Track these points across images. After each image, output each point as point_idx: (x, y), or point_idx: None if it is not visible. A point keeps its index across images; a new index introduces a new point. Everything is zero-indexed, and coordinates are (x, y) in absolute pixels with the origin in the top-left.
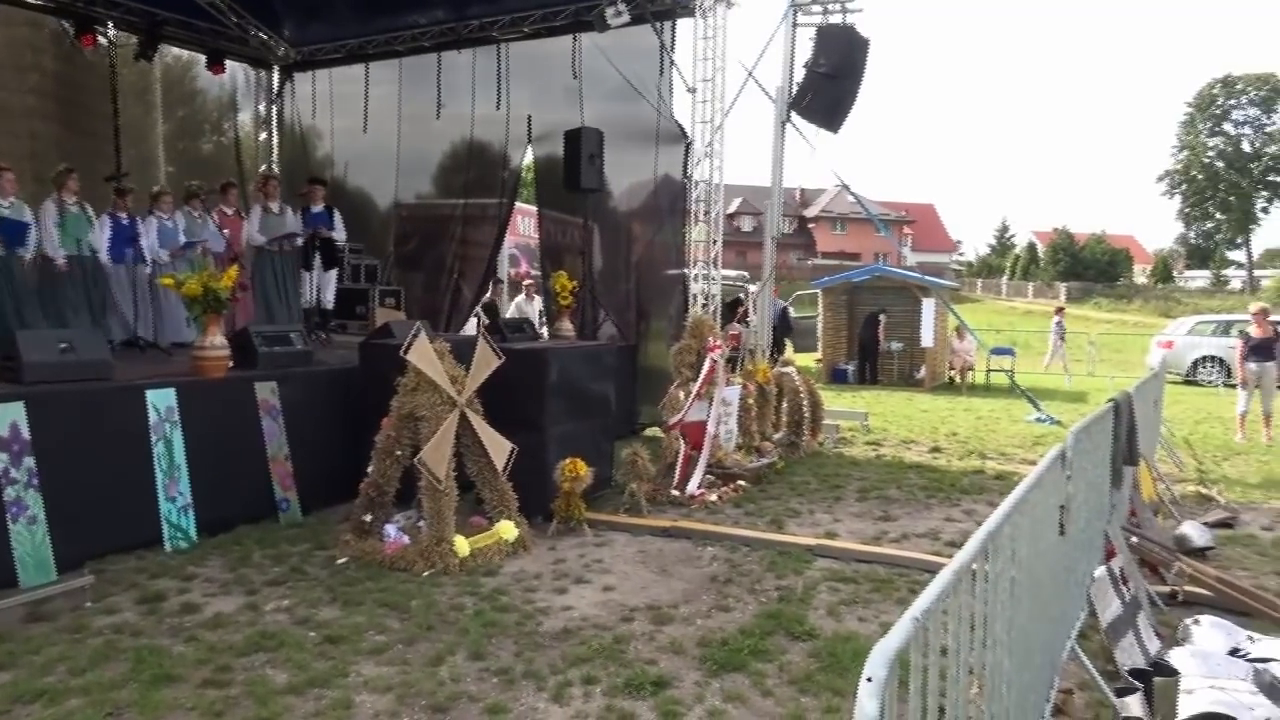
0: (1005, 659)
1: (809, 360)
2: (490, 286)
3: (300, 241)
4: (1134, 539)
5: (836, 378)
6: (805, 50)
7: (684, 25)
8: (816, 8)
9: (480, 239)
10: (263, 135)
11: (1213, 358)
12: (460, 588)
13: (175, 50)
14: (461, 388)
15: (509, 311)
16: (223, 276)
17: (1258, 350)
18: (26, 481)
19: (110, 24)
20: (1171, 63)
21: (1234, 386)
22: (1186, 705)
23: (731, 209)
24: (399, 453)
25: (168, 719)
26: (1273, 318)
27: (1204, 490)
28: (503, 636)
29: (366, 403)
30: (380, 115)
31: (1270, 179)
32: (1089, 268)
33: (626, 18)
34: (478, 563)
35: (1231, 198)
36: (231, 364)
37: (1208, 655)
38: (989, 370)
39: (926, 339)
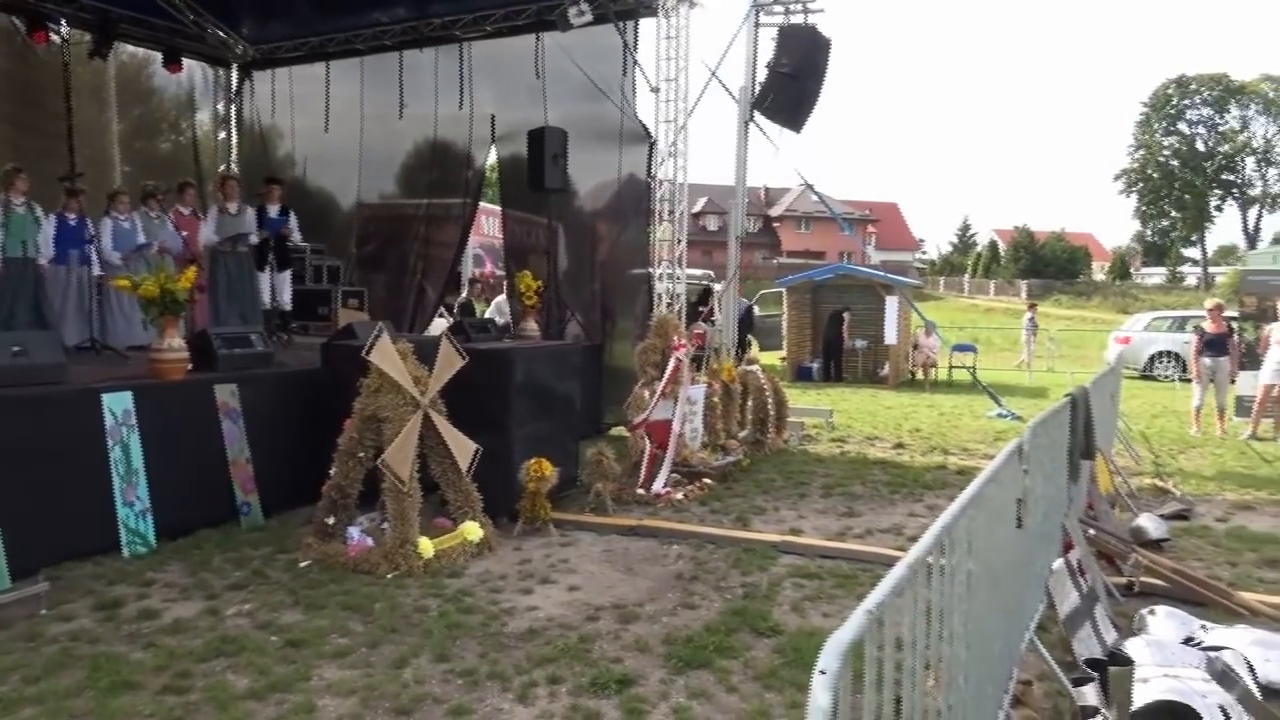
0: (962, 651)
1: (774, 358)
2: (466, 287)
3: (255, 241)
4: (1091, 531)
5: (801, 375)
6: (768, 50)
7: (647, 25)
8: (778, 8)
9: (444, 239)
10: (222, 135)
11: (1169, 353)
12: (424, 589)
13: (130, 48)
14: (425, 388)
15: (490, 311)
16: (180, 278)
17: (1212, 345)
18: None
19: (63, 21)
20: (1128, 63)
21: (1189, 381)
22: (1141, 694)
23: (697, 208)
24: (362, 454)
25: None
26: (1227, 313)
27: (1160, 483)
28: (467, 638)
29: (329, 404)
30: (342, 114)
31: (1223, 178)
32: (1049, 265)
33: (589, 17)
34: (442, 564)
35: (1186, 196)
36: (190, 366)
37: (1162, 644)
38: (951, 367)
39: (890, 336)
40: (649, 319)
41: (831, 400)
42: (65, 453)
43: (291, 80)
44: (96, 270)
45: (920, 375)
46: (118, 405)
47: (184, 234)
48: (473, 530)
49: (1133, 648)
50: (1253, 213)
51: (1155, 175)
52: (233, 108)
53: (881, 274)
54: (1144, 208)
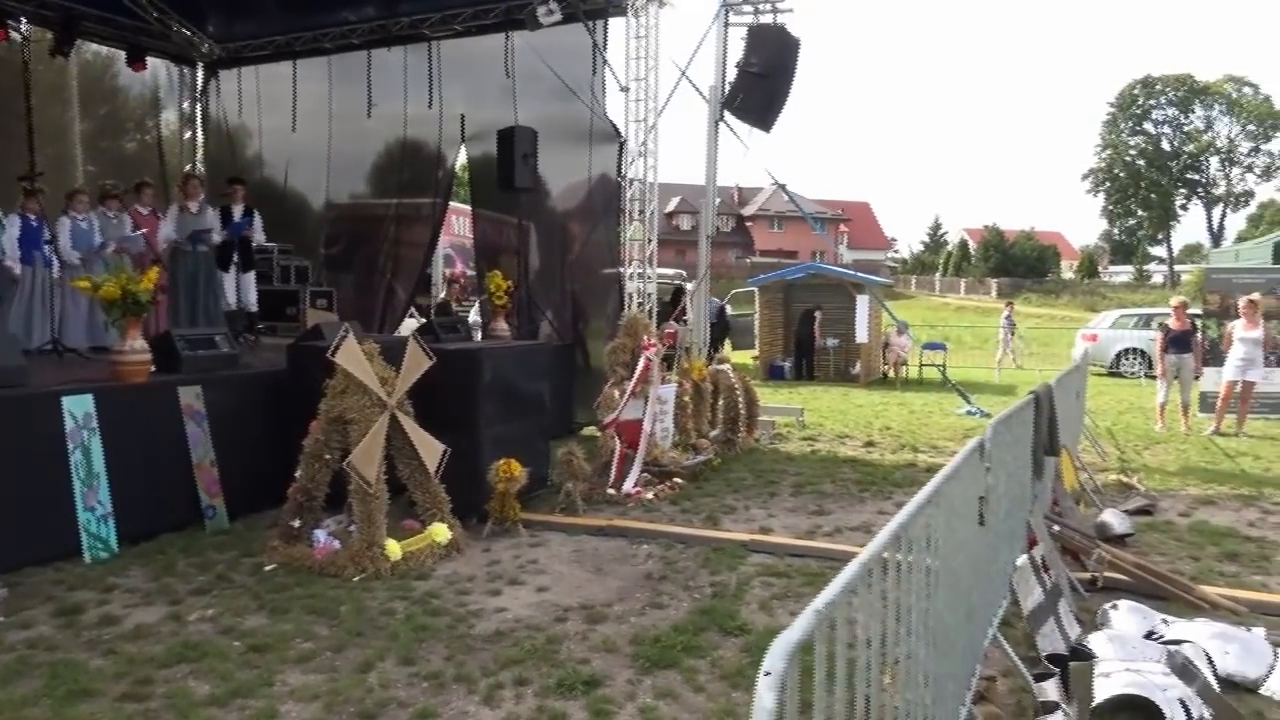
0: (922, 648)
1: (746, 357)
2: (445, 287)
3: (217, 240)
4: (1056, 527)
5: (774, 374)
6: (737, 50)
7: (616, 24)
8: (748, 8)
9: (414, 239)
10: (187, 134)
11: (1135, 350)
12: (391, 592)
13: (94, 46)
14: (392, 389)
15: (473, 313)
16: (142, 279)
17: (1176, 342)
18: None
19: (23, 19)
20: (1096, 64)
21: (1155, 378)
22: (1103, 688)
23: (670, 208)
24: (328, 456)
25: None
26: (1191, 311)
27: (1125, 479)
28: (434, 640)
29: (296, 406)
30: (310, 114)
31: (1188, 177)
32: (1019, 264)
33: (558, 16)
34: (410, 566)
35: (1152, 195)
36: (153, 368)
37: (1124, 639)
38: (922, 365)
39: (861, 335)
40: (620, 319)
41: (803, 399)
42: (24, 457)
43: (258, 79)
44: (56, 272)
45: (891, 373)
46: (78, 408)
47: (143, 233)
48: (441, 532)
49: (1095, 642)
50: (1217, 211)
51: (1122, 175)
52: (198, 107)
53: (852, 273)
54: (1111, 207)
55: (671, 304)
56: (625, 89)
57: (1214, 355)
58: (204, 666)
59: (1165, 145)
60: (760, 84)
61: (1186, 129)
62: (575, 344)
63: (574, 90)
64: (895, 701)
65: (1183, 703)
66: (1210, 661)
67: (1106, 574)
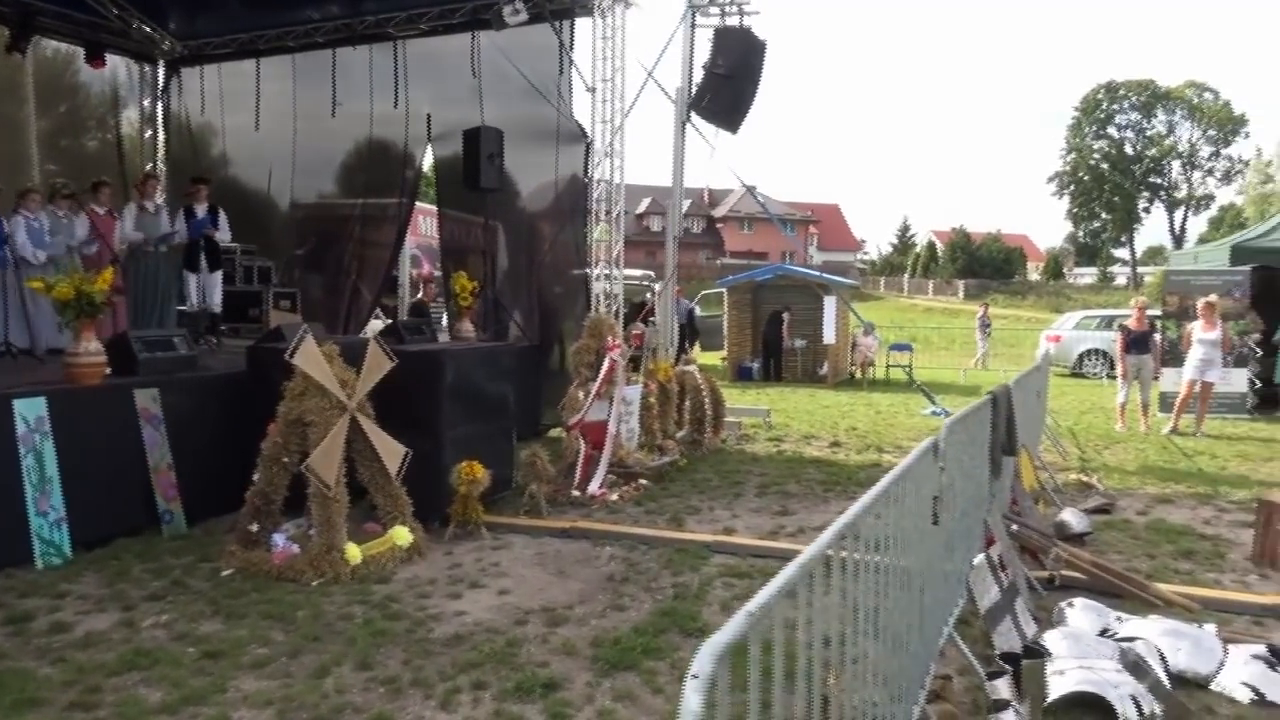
0: (874, 647)
1: (715, 358)
2: (421, 288)
3: (177, 240)
4: (1014, 527)
5: (742, 375)
6: (704, 51)
7: (583, 25)
8: (714, 10)
9: (380, 239)
10: (148, 133)
11: (1098, 350)
12: (350, 596)
13: (52, 43)
14: (352, 391)
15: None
16: (96, 279)
17: (1137, 343)
18: None
19: None
20: (1061, 68)
21: (1116, 378)
22: (1057, 685)
23: (640, 209)
24: (286, 459)
25: None
26: (1151, 312)
27: (1085, 478)
28: (392, 645)
29: (256, 409)
30: (274, 113)
31: (1151, 180)
32: (985, 265)
33: (524, 16)
34: (370, 570)
35: (1116, 198)
36: (109, 370)
37: (1079, 636)
38: (889, 366)
39: (828, 336)
40: (587, 320)
41: (770, 400)
42: None
43: (221, 77)
44: (13, 272)
45: (859, 374)
46: (30, 411)
47: (99, 233)
48: (402, 535)
49: (1050, 640)
50: (1179, 214)
51: (1086, 178)
52: (159, 105)
53: (818, 274)
54: (1076, 209)
55: (639, 307)
56: (592, 89)
57: (1173, 356)
58: (156, 674)
59: (1128, 149)
60: (726, 85)
61: (1149, 133)
62: (542, 345)
63: (540, 90)
64: (847, 701)
65: (1134, 699)
66: (1162, 658)
67: (1064, 572)
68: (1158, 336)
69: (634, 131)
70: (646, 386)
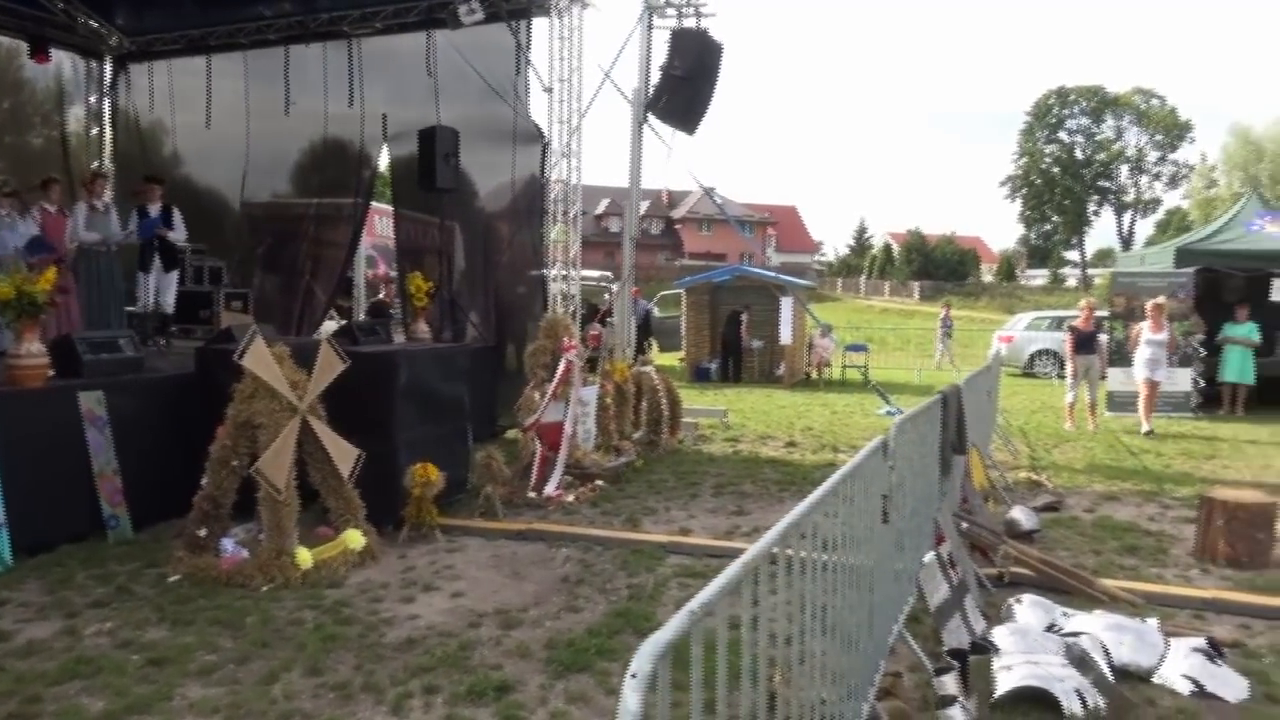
0: (822, 645)
1: (673, 359)
2: (381, 289)
3: (124, 239)
4: (964, 525)
5: (699, 376)
6: (661, 53)
7: (540, 25)
8: (671, 11)
9: (335, 239)
10: (95, 130)
11: (1048, 351)
12: (301, 601)
13: None
14: (303, 393)
15: None
16: (39, 279)
17: (1084, 344)
18: None
19: None
20: (1014, 74)
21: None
22: (1004, 680)
23: (599, 210)
24: (235, 463)
25: None
26: (1100, 313)
27: (1034, 476)
28: (343, 650)
29: (204, 411)
30: (226, 111)
31: (1100, 184)
32: (940, 267)
33: (480, 15)
34: (321, 575)
35: (1066, 201)
36: (52, 372)
37: (1026, 632)
38: (845, 366)
39: (785, 337)
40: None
41: (728, 400)
42: None
43: (171, 74)
44: None
45: (815, 375)
46: None
47: (40, 231)
48: (355, 538)
49: (998, 636)
50: (1127, 217)
51: (1038, 181)
52: (106, 102)
53: (775, 275)
54: (1028, 212)
55: (596, 308)
56: (549, 90)
57: (1120, 356)
58: (99, 682)
59: (1078, 153)
60: (683, 87)
61: (1098, 138)
62: (499, 346)
63: (497, 90)
64: (797, 698)
65: (1079, 693)
66: (1106, 652)
67: (1012, 569)
68: (1104, 337)
69: (591, 132)
70: (603, 387)
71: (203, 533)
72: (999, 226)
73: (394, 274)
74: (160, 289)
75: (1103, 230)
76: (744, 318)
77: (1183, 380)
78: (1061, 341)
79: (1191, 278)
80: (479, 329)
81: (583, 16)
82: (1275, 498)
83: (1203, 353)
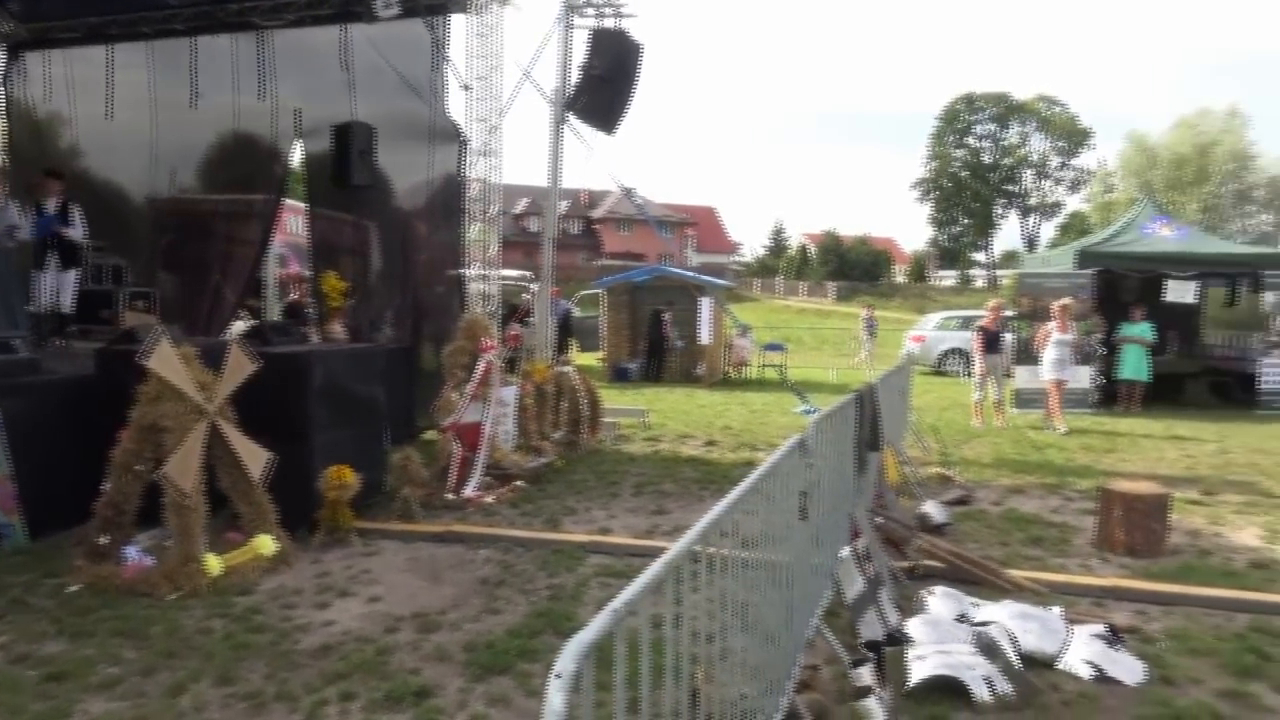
0: (740, 641)
1: (593, 359)
2: (293, 288)
3: (26, 237)
4: (878, 519)
5: (619, 376)
6: (580, 53)
7: (458, 21)
8: (590, 11)
9: (245, 237)
10: None
11: (958, 350)
12: (209, 609)
13: None
14: (211, 395)
15: None
16: None
17: (993, 343)
18: None
19: None
20: (925, 78)
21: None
22: (917, 670)
23: (518, 209)
24: (140, 467)
25: None
26: (1006, 312)
27: (945, 472)
28: (254, 658)
29: (106, 415)
30: (130, 102)
31: (1006, 188)
32: (855, 268)
33: (397, 10)
34: (231, 581)
35: (975, 204)
36: None
37: (938, 623)
38: (763, 365)
39: (704, 336)
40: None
41: (648, 400)
42: None
43: (69, 63)
44: None
45: (734, 374)
46: None
47: None
48: (266, 544)
49: (911, 627)
50: (1031, 220)
51: (948, 184)
52: (0, 91)
53: (694, 275)
54: (938, 215)
55: (516, 308)
56: (467, 87)
57: (1025, 354)
58: None
59: (985, 158)
60: (603, 87)
61: (1004, 143)
62: (416, 346)
63: (414, 87)
64: (718, 694)
65: (988, 680)
66: (1013, 640)
67: (925, 562)
68: (1009, 336)
69: (511, 131)
70: (523, 388)
71: (104, 540)
72: (911, 228)
73: (307, 273)
74: (58, 288)
75: (1009, 232)
76: (666, 316)
77: (1083, 378)
78: (969, 341)
79: (1091, 279)
80: (395, 329)
81: (502, 14)
82: (1169, 489)
83: (1102, 351)
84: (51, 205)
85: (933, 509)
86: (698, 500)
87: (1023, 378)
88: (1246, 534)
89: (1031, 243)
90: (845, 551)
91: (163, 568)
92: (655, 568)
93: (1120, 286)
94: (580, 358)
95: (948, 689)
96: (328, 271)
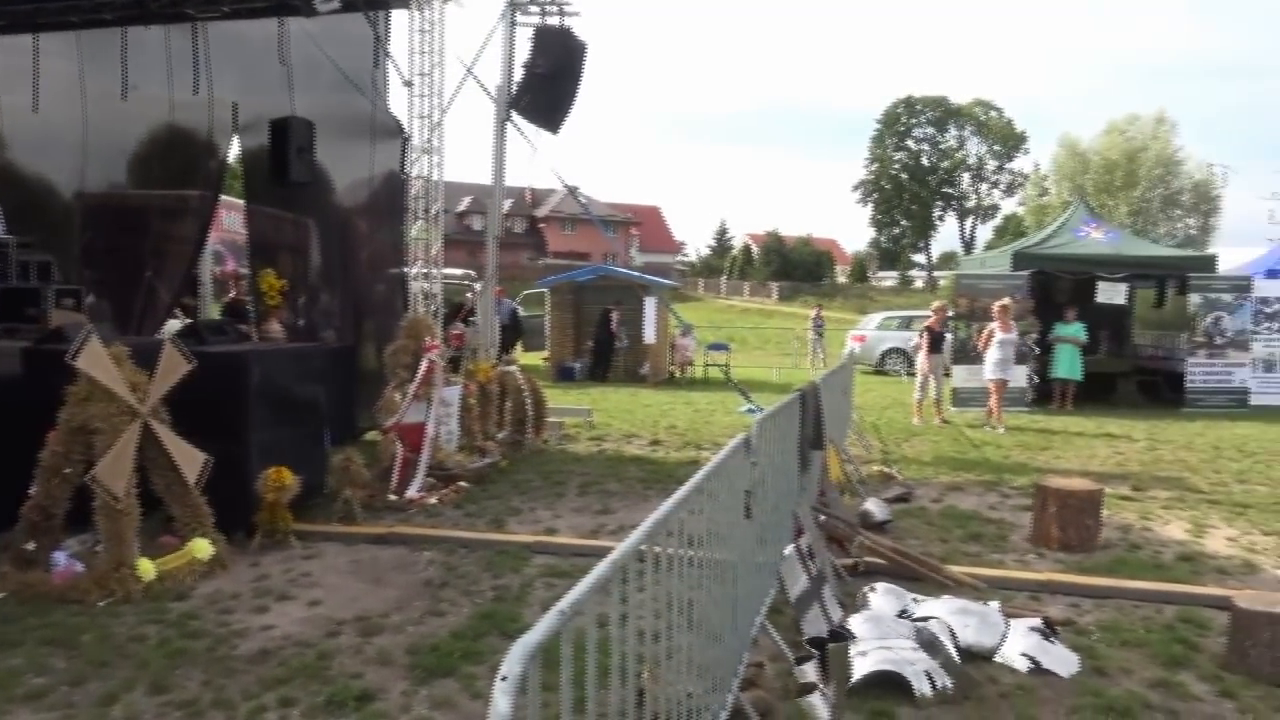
0: (686, 640)
1: (537, 359)
2: (233, 286)
3: None
4: (821, 517)
5: (564, 375)
6: (524, 50)
7: (399, 17)
8: (534, 9)
9: (180, 234)
10: None
11: (898, 349)
12: (143, 616)
13: None
14: (144, 396)
15: None
16: None
17: (936, 343)
18: None
19: None
20: (866, 81)
21: (915, 375)
22: (860, 666)
23: (461, 207)
24: (69, 470)
25: None
26: (949, 313)
27: (886, 469)
28: (190, 665)
29: (33, 417)
30: (58, 94)
31: (944, 191)
32: (797, 268)
33: (336, 4)
34: (166, 587)
35: (914, 206)
36: None
37: (880, 619)
38: (707, 365)
39: (649, 336)
40: (405, 320)
41: (592, 399)
42: None
43: None
44: None
45: (678, 373)
46: None
47: None
48: (202, 547)
49: (854, 624)
50: (969, 223)
51: (888, 187)
52: None
53: (639, 275)
54: (878, 216)
55: (459, 307)
56: (409, 84)
57: (963, 354)
58: None
59: (924, 161)
60: (547, 85)
61: (942, 146)
62: (357, 346)
63: (354, 82)
64: (664, 693)
65: (928, 674)
66: (953, 635)
67: (867, 559)
68: (949, 336)
69: (454, 129)
70: (466, 387)
71: (31, 546)
72: (852, 230)
73: (244, 271)
74: None
75: (947, 234)
76: (615, 315)
77: (1019, 377)
78: (910, 341)
79: (1027, 280)
80: (336, 328)
81: (444, 10)
82: (1101, 485)
83: (1036, 351)
84: None
85: (874, 506)
86: (643, 500)
87: (960, 377)
88: (1174, 528)
89: (969, 245)
90: (789, 549)
91: (93, 573)
92: (601, 568)
93: (1054, 287)
94: (525, 357)
95: (890, 684)
96: (265, 270)
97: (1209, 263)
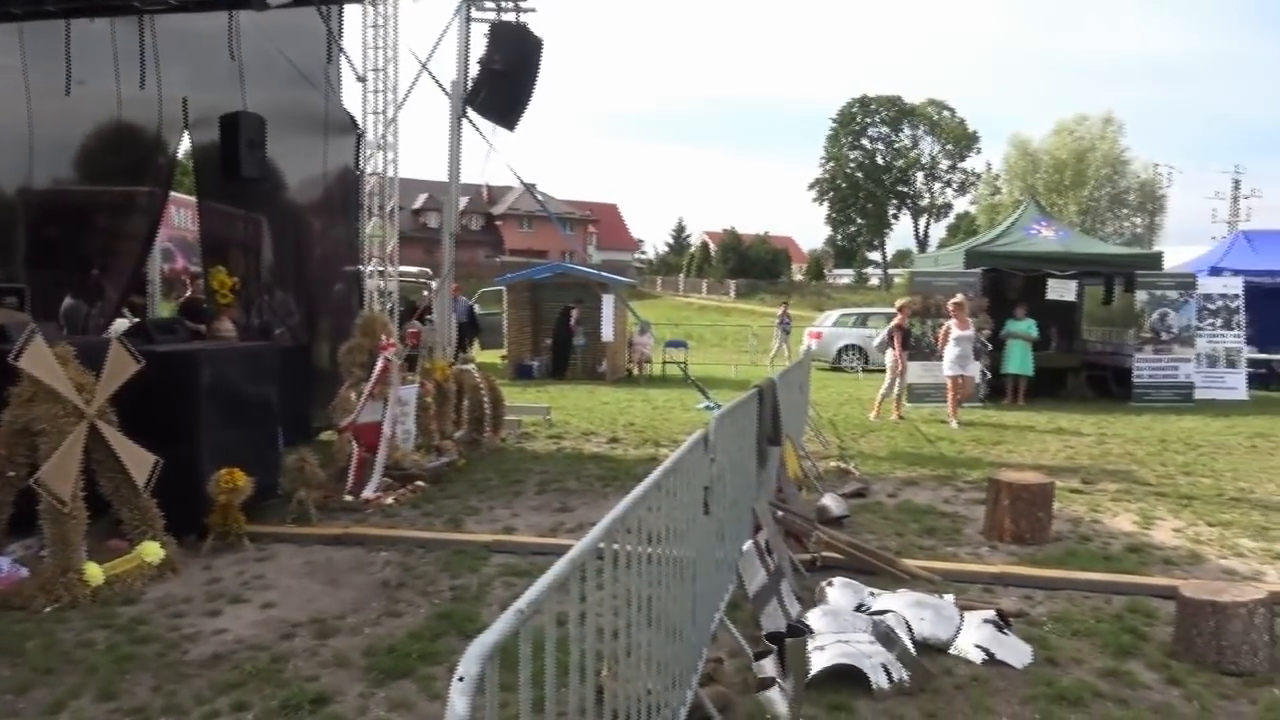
0: (645, 637)
1: (495, 357)
2: (186, 284)
3: None
4: (779, 513)
5: (522, 374)
6: (480, 46)
7: (353, 11)
8: (490, 5)
9: (128, 232)
10: None
11: (855, 346)
12: (91, 621)
13: None
14: (91, 396)
15: None
16: None
17: (907, 340)
18: None
19: None
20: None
21: (873, 371)
22: (818, 660)
23: (417, 204)
24: (12, 474)
25: None
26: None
27: (843, 465)
28: (140, 671)
29: None
30: (1, 89)
31: (899, 189)
32: (754, 265)
33: None
34: (114, 591)
35: (869, 205)
36: None
37: (837, 613)
38: (665, 362)
39: (607, 334)
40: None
41: (551, 397)
42: None
43: None
44: None
45: (636, 371)
46: None
47: None
48: (152, 551)
49: (812, 618)
50: (922, 221)
51: (843, 185)
52: None
53: (597, 273)
54: (834, 214)
55: (415, 305)
56: (363, 79)
57: (918, 350)
58: None
59: (879, 160)
60: (503, 82)
61: (897, 145)
62: (311, 344)
63: (307, 77)
64: (624, 690)
65: (885, 667)
66: (909, 628)
67: (824, 554)
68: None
69: (409, 125)
70: (423, 386)
71: None
72: (809, 228)
73: (194, 269)
74: None
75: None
76: (573, 313)
77: (972, 372)
78: (868, 338)
79: (979, 277)
80: (290, 326)
81: (398, 5)
82: (1052, 479)
83: (989, 347)
84: None
85: (831, 502)
86: (601, 497)
87: (915, 373)
88: (1122, 520)
89: (923, 243)
90: (747, 545)
91: (38, 579)
92: (559, 566)
93: (1006, 285)
94: (482, 355)
95: (848, 677)
96: (216, 267)
97: (1155, 260)
